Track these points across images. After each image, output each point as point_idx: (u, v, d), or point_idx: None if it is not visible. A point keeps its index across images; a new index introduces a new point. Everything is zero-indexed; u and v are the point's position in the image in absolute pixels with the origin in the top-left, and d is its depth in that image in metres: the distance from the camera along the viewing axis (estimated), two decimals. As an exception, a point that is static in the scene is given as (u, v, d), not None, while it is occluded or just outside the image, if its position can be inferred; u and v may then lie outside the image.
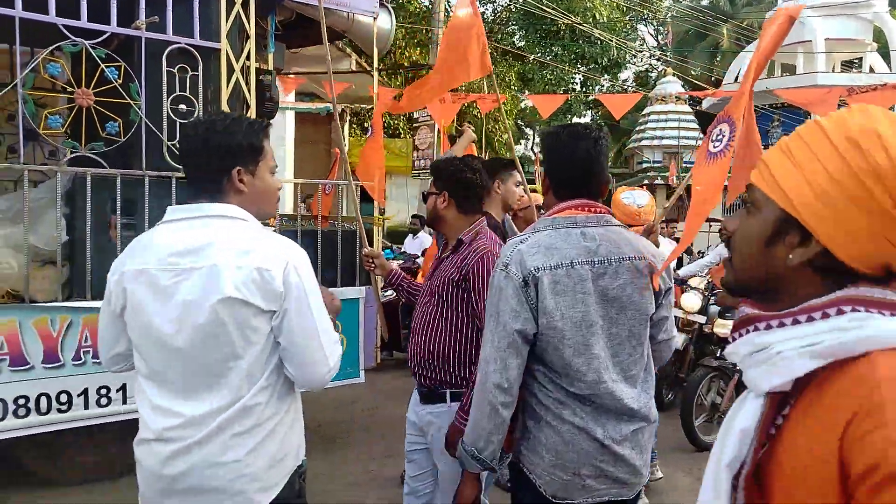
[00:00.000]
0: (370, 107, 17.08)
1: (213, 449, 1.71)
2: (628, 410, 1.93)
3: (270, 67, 5.16)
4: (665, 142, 22.59)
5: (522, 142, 35.33)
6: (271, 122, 4.78)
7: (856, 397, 0.87)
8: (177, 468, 1.72)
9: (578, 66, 24.49)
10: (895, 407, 0.84)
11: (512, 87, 21.63)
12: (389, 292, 6.52)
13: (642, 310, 1.99)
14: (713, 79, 25.26)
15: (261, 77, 4.77)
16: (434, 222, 2.88)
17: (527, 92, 22.73)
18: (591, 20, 21.01)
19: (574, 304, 1.89)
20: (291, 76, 13.25)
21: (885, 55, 22.64)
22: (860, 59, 23.56)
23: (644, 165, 23.26)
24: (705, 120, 25.95)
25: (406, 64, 18.77)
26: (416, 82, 4.88)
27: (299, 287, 1.74)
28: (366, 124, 18.90)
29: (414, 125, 13.91)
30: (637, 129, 24.62)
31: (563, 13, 18.21)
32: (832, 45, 21.55)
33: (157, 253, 1.72)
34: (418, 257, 8.47)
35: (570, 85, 26.59)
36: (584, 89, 27.08)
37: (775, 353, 0.96)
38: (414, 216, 8.58)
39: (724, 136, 2.53)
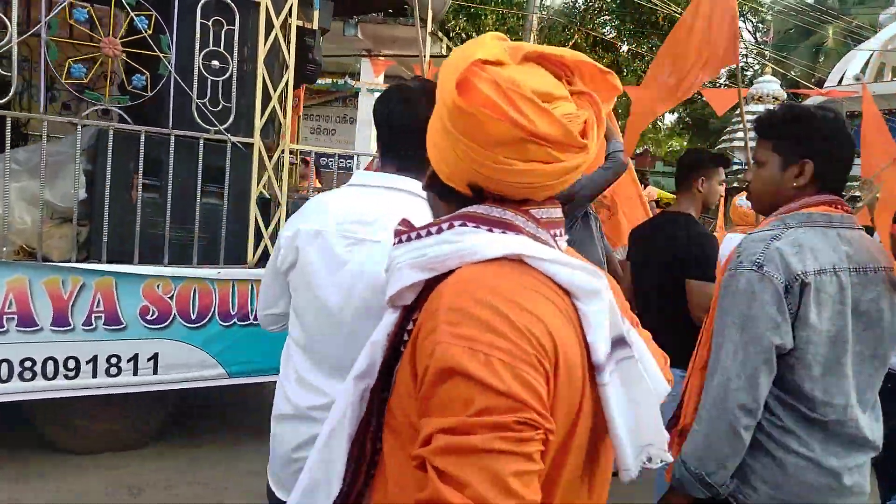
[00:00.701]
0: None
1: None
2: (863, 439, 1.72)
3: (315, 26, 4.80)
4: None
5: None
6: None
7: (427, 308, 0.93)
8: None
9: None
10: (447, 312, 0.88)
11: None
12: None
13: (890, 328, 1.76)
14: (814, 79, 23.78)
15: (305, 37, 4.46)
16: None
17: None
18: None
19: (833, 316, 1.67)
20: (381, 59, 13.32)
21: None
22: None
23: (735, 168, 22.21)
24: (803, 123, 24.68)
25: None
26: (639, 98, 3.86)
27: None
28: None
29: None
30: (729, 128, 23.56)
31: (664, 2, 17.50)
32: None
33: (336, 217, 1.60)
34: None
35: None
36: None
37: (395, 265, 1.02)
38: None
39: None
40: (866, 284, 1.72)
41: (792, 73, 26.04)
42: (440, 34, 14.49)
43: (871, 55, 21.15)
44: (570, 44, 21.14)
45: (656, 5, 16.62)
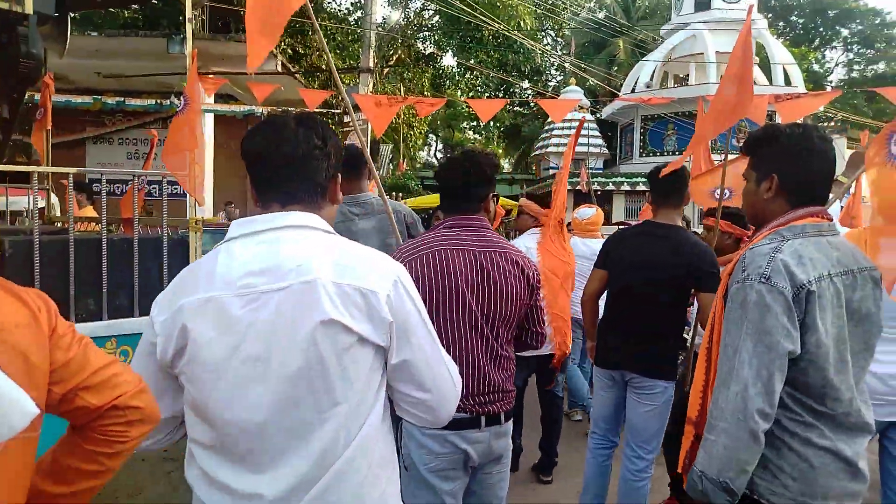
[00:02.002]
0: (298, 110, 17.06)
1: None
2: (864, 424, 1.85)
3: (29, 10, 3.58)
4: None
5: (426, 148, 35.67)
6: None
7: None
8: None
9: (501, 72, 25.20)
10: None
11: (426, 92, 22.00)
12: None
13: (877, 322, 1.89)
14: (611, 88, 26.36)
15: (13, 24, 3.50)
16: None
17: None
18: (516, 28, 21.61)
19: (834, 319, 1.79)
20: (211, 76, 13.00)
21: (764, 68, 24.43)
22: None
23: (551, 171, 24.12)
24: (605, 128, 27.19)
25: (324, 67, 18.77)
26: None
27: (413, 310, 1.45)
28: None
29: (345, 129, 13.77)
30: (543, 136, 25.47)
31: (492, 19, 18.67)
32: (721, 57, 23.05)
33: (224, 277, 1.36)
34: None
35: (494, 91, 27.36)
36: (508, 94, 27.85)
37: None
38: None
39: None
40: (854, 285, 1.82)
41: (590, 82, 28.56)
42: (275, 51, 14.54)
43: (657, 65, 23.95)
44: (395, 58, 21.90)
45: (483, 22, 17.73)
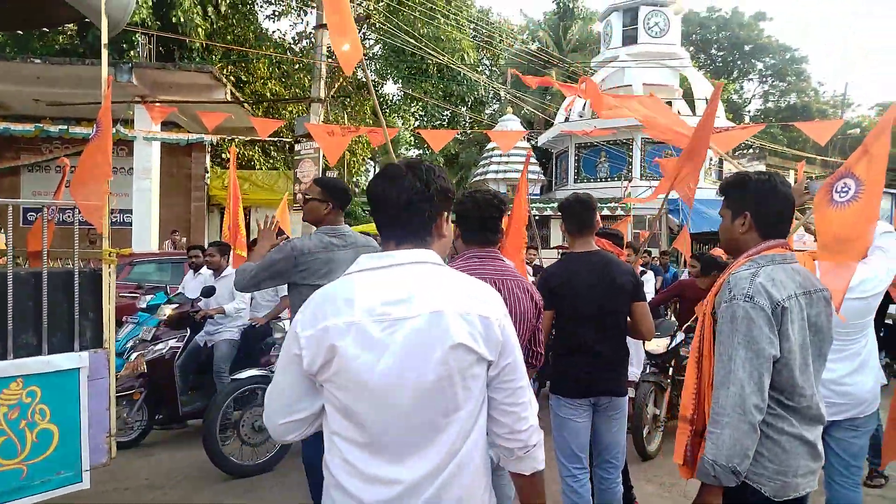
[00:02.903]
0: (248, 138, 17.03)
1: None
2: (821, 416, 2.25)
3: None
4: (509, 175, 24.21)
5: (365, 173, 35.83)
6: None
7: None
8: None
9: (447, 103, 25.88)
10: None
11: (368, 119, 22.31)
12: (160, 346, 5.83)
13: (828, 334, 2.30)
14: (546, 114, 27.32)
15: None
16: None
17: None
18: (460, 60, 22.21)
19: (799, 329, 2.18)
20: (158, 104, 12.97)
21: (689, 100, 25.80)
22: (670, 102, 26.59)
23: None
24: (541, 155, 28.12)
25: (269, 95, 18.89)
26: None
27: (512, 337, 1.72)
28: (223, 155, 18.72)
29: (296, 157, 13.88)
30: (482, 163, 26.16)
31: (438, 52, 19.19)
32: (647, 89, 24.26)
33: (363, 304, 1.61)
34: (199, 300, 6.41)
35: (440, 121, 27.97)
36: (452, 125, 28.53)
37: None
38: (212, 244, 7.00)
39: (849, 189, 3.47)
40: (811, 303, 2.23)
41: (525, 111, 29.47)
42: (223, 80, 14.62)
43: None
44: (337, 86, 22.15)
45: (428, 55, 18.24)
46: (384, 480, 1.60)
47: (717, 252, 9.63)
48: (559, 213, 3.84)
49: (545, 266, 3.92)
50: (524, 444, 1.73)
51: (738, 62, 41.62)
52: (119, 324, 6.45)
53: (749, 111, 41.02)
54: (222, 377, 5.96)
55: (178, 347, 5.93)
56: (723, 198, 2.45)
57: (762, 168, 25.85)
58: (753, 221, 2.32)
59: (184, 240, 14.01)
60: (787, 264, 2.27)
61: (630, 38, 25.41)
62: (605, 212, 20.76)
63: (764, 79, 41.68)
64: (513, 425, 1.71)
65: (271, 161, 21.09)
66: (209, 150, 17.30)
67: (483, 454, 1.70)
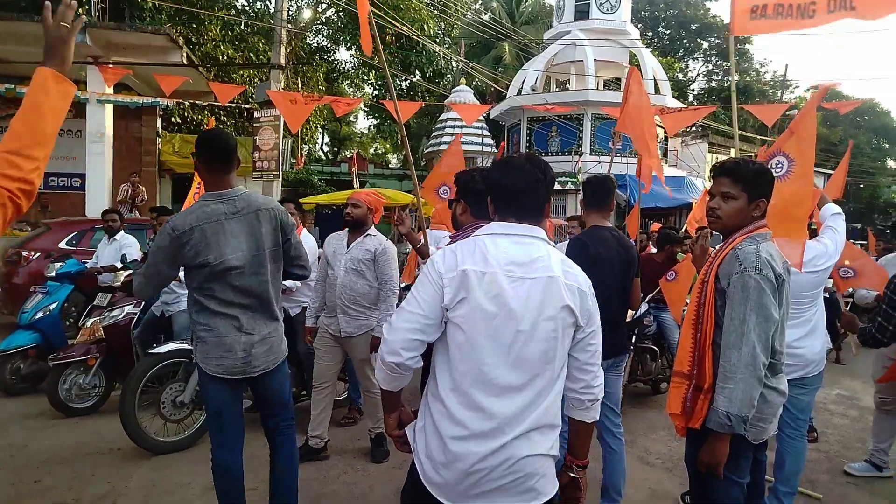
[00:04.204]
0: (206, 103, 16.52)
1: (523, 446, 1.93)
2: (783, 367, 2.65)
3: None
4: (465, 147, 24.29)
5: (318, 137, 35.38)
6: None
7: None
8: (491, 462, 1.91)
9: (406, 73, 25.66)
10: None
11: (320, 85, 21.96)
12: (116, 311, 5.84)
13: (789, 300, 2.69)
14: (498, 87, 27.39)
15: None
16: (457, 227, 3.18)
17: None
18: (420, 30, 21.99)
19: (786, 297, 2.57)
20: (112, 66, 12.52)
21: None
22: (619, 79, 27.03)
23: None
24: (492, 128, 28.27)
25: (221, 58, 18.39)
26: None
27: (596, 309, 2.10)
28: (173, 119, 18.24)
29: (255, 124, 13.63)
30: (435, 134, 26.17)
31: (400, 22, 18.96)
32: (598, 65, 24.59)
33: (497, 260, 1.96)
34: (119, 269, 6.24)
35: (397, 91, 27.64)
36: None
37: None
38: (152, 209, 6.78)
39: (782, 165, 3.89)
40: (788, 274, 2.61)
41: (476, 82, 29.48)
42: (180, 42, 14.20)
43: (541, 71, 25.22)
44: (289, 51, 21.80)
45: (387, 23, 18.07)
46: (487, 413, 1.92)
47: (654, 227, 10.66)
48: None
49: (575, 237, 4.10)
50: (595, 397, 2.09)
51: (685, 41, 42.46)
52: (28, 295, 6.56)
53: (693, 90, 41.97)
54: None
55: (135, 314, 5.93)
56: (734, 181, 2.66)
57: (705, 146, 26.70)
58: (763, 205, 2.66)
59: (143, 190, 13.50)
60: (771, 241, 2.64)
61: (582, 13, 25.58)
62: (556, 186, 21.09)
63: (708, 58, 42.65)
64: (590, 381, 2.07)
65: (222, 127, 20.66)
66: (160, 114, 16.86)
67: (559, 407, 2.04)
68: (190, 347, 4.72)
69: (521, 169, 2.07)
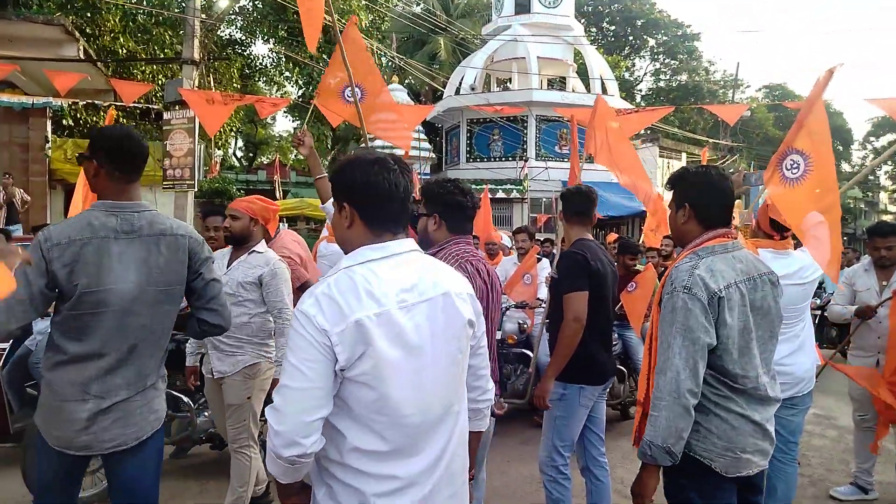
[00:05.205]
0: (108, 103, 14.68)
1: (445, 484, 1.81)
2: (768, 397, 2.42)
3: None
4: (398, 151, 22.66)
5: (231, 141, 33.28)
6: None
7: None
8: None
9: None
10: None
11: (234, 82, 20.14)
12: None
13: (777, 314, 2.49)
14: (435, 84, 25.88)
15: None
16: (425, 245, 2.83)
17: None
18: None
19: (739, 316, 2.34)
20: None
21: (583, 76, 25.14)
22: (564, 78, 25.89)
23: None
24: (429, 131, 26.67)
25: (121, 53, 16.49)
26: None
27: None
28: (64, 122, 16.18)
29: (165, 127, 11.82)
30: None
31: (328, 13, 17.33)
32: (542, 63, 23.36)
33: (386, 293, 1.69)
34: None
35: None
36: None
37: None
38: (34, 228, 6.25)
39: (798, 164, 3.71)
40: (755, 287, 2.40)
41: (409, 80, 27.96)
42: (76, 35, 12.39)
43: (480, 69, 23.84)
44: (203, 47, 19.87)
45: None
46: (416, 458, 1.73)
47: (611, 237, 9.96)
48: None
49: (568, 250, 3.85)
50: (488, 402, 2.14)
51: (630, 38, 41.59)
52: None
53: (640, 90, 41.21)
54: None
55: (3, 349, 4.86)
56: (670, 189, 2.60)
57: (656, 150, 25.81)
58: (693, 213, 2.50)
59: (21, 192, 11.82)
60: (729, 253, 2.43)
61: (522, 7, 24.39)
62: (500, 194, 19.80)
63: (655, 56, 41.89)
64: (485, 386, 2.08)
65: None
66: (50, 116, 14.77)
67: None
68: None
69: (401, 172, 1.79)
